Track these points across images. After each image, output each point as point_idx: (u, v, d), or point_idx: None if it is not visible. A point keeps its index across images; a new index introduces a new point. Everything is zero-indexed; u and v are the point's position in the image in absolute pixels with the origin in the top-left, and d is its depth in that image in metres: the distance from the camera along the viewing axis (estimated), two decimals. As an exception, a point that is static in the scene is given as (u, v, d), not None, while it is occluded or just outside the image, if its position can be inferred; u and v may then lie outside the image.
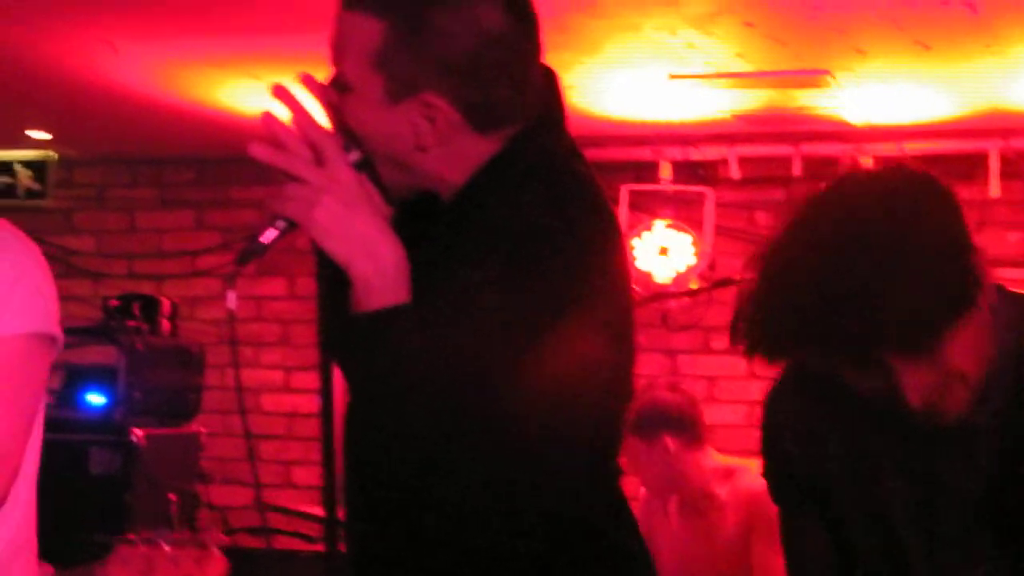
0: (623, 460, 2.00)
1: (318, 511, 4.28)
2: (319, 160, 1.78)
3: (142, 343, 5.54)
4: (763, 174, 5.97)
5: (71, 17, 4.52)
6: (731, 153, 5.90)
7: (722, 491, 4.10)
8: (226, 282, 1.84)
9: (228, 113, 5.68)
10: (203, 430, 5.70)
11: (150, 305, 5.77)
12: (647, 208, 5.95)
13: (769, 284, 1.73)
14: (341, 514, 1.93)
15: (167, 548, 2.06)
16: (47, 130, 6.47)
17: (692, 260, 5.85)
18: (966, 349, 1.71)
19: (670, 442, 4.07)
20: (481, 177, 1.87)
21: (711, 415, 5.82)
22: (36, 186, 6.96)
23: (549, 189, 1.82)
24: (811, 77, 4.93)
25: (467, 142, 1.85)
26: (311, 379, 2.06)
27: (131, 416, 5.39)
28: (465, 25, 1.80)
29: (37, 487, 2.21)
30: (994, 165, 5.61)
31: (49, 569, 2.41)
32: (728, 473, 4.12)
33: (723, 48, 4.64)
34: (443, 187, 1.89)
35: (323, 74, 1.89)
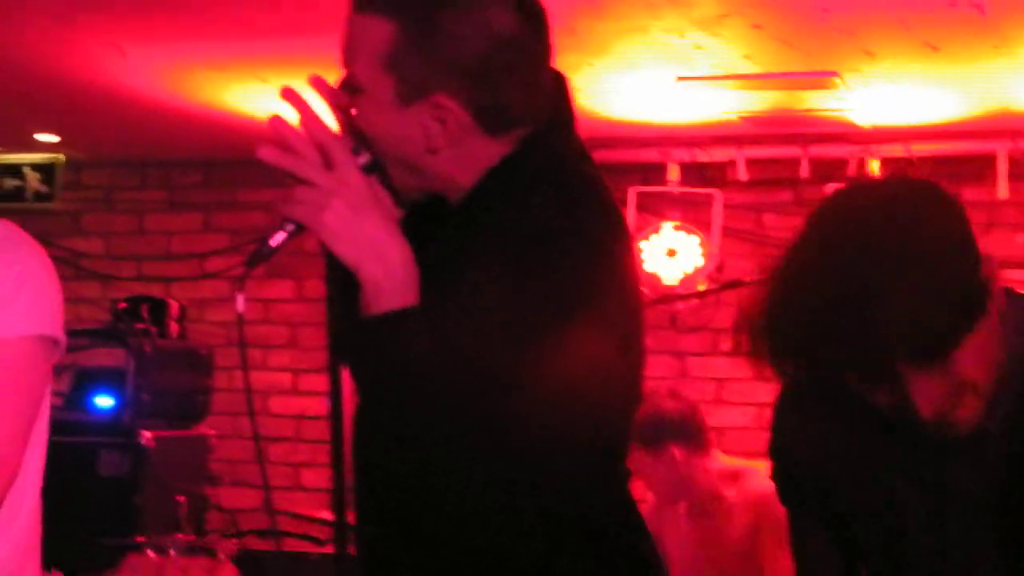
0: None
1: (327, 515, 4.28)
2: (328, 163, 1.78)
3: (151, 345, 5.54)
4: (771, 176, 5.96)
5: (79, 21, 4.53)
6: (739, 155, 5.89)
7: (731, 493, 4.09)
8: (235, 285, 1.84)
9: (236, 115, 5.69)
10: (212, 432, 5.70)
11: (158, 307, 5.77)
12: (655, 210, 5.95)
13: (778, 298, 1.73)
14: (350, 517, 1.94)
15: (178, 557, 2.07)
16: (55, 133, 6.48)
17: (700, 262, 5.85)
18: (977, 357, 1.70)
19: (677, 451, 4.06)
20: (490, 179, 1.87)
21: (720, 417, 5.84)
22: (44, 189, 6.97)
23: (558, 192, 1.82)
24: (819, 79, 4.92)
25: (477, 144, 1.85)
26: (320, 381, 2.06)
27: (140, 418, 5.39)
28: (476, 27, 1.80)
29: (46, 490, 2.20)
30: (1002, 166, 5.60)
31: (58, 576, 2.40)
32: (736, 475, 4.12)
33: (731, 50, 4.64)
34: (453, 189, 1.89)
35: (332, 77, 1.89)
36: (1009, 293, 1.80)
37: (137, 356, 5.47)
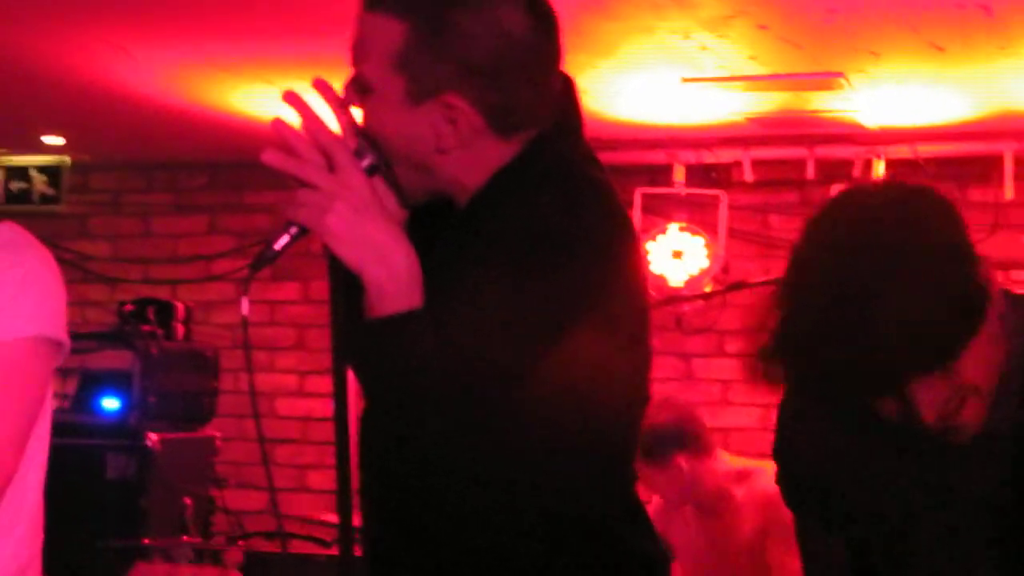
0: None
1: (332, 517, 4.28)
2: (331, 166, 1.79)
3: (157, 348, 5.55)
4: (777, 177, 5.96)
5: (85, 23, 4.53)
6: (745, 156, 5.89)
7: (739, 492, 4.09)
8: (240, 287, 1.84)
9: (242, 118, 5.69)
10: (218, 434, 5.71)
11: (165, 310, 5.78)
12: (661, 211, 5.95)
13: (783, 311, 1.72)
14: (356, 519, 1.93)
15: (186, 566, 2.06)
16: (62, 135, 6.49)
17: (706, 263, 5.85)
18: (978, 361, 1.70)
19: (682, 461, 4.06)
20: (497, 181, 1.87)
21: (725, 418, 5.84)
22: (51, 191, 6.98)
23: (565, 194, 1.82)
24: (825, 80, 4.91)
25: (487, 145, 1.85)
26: (325, 383, 2.05)
27: (146, 421, 5.40)
28: (487, 27, 1.80)
29: (52, 493, 2.19)
30: (1008, 167, 5.59)
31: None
32: (743, 475, 4.11)
33: (737, 51, 4.63)
34: (460, 190, 1.89)
35: (338, 79, 1.89)
36: (1007, 295, 1.80)
37: (143, 358, 5.48)
